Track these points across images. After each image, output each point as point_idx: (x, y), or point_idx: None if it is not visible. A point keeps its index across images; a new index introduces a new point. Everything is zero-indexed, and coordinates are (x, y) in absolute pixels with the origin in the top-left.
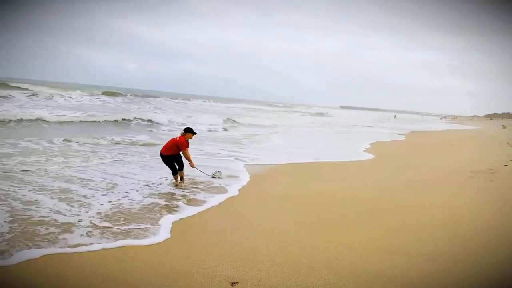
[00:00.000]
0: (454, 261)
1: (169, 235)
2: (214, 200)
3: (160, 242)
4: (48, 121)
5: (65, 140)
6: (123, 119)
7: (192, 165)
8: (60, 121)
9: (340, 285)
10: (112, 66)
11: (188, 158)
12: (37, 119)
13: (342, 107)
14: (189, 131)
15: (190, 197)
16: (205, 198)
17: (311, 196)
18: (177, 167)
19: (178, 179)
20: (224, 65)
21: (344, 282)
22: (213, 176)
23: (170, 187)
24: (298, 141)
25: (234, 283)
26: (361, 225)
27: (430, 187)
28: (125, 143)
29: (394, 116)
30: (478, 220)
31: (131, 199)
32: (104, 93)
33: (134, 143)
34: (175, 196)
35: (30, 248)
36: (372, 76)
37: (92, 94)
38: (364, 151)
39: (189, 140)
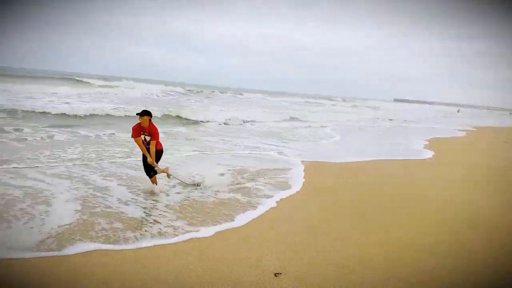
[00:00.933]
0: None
1: (218, 229)
2: (277, 196)
3: (209, 236)
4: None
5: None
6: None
7: (151, 162)
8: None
9: (377, 286)
10: (163, 61)
11: (143, 150)
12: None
13: (396, 100)
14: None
15: (257, 193)
16: (273, 193)
17: (368, 195)
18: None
19: (156, 182)
20: (272, 60)
21: (380, 283)
22: (194, 184)
23: (233, 179)
24: (354, 137)
25: (278, 273)
26: (417, 226)
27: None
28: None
29: (458, 111)
30: None
31: (202, 193)
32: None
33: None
34: (238, 190)
35: (90, 242)
36: (427, 67)
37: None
38: (423, 148)
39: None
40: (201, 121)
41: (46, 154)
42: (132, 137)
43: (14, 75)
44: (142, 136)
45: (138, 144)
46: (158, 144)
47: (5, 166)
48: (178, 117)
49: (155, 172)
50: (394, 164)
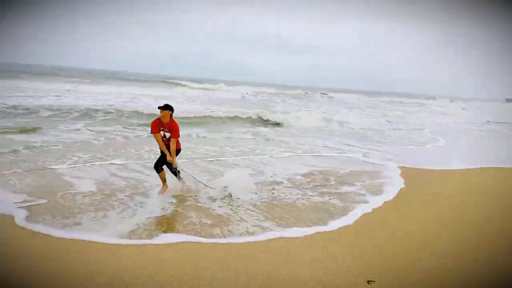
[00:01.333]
0: None
1: (311, 232)
2: (372, 202)
3: (298, 238)
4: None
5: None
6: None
7: (170, 160)
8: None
9: None
10: (256, 64)
11: (162, 147)
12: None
13: (508, 100)
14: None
15: (353, 197)
16: (367, 198)
17: (471, 206)
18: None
19: (165, 184)
20: (361, 57)
21: None
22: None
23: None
24: (456, 142)
25: (371, 281)
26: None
27: None
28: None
29: None
30: None
31: (288, 194)
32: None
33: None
34: (330, 193)
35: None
36: None
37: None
38: None
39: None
40: (286, 122)
41: (146, 150)
42: (151, 132)
43: (120, 78)
44: (162, 133)
45: (157, 141)
46: (177, 143)
47: (115, 160)
48: (262, 118)
49: (176, 174)
50: (504, 173)
